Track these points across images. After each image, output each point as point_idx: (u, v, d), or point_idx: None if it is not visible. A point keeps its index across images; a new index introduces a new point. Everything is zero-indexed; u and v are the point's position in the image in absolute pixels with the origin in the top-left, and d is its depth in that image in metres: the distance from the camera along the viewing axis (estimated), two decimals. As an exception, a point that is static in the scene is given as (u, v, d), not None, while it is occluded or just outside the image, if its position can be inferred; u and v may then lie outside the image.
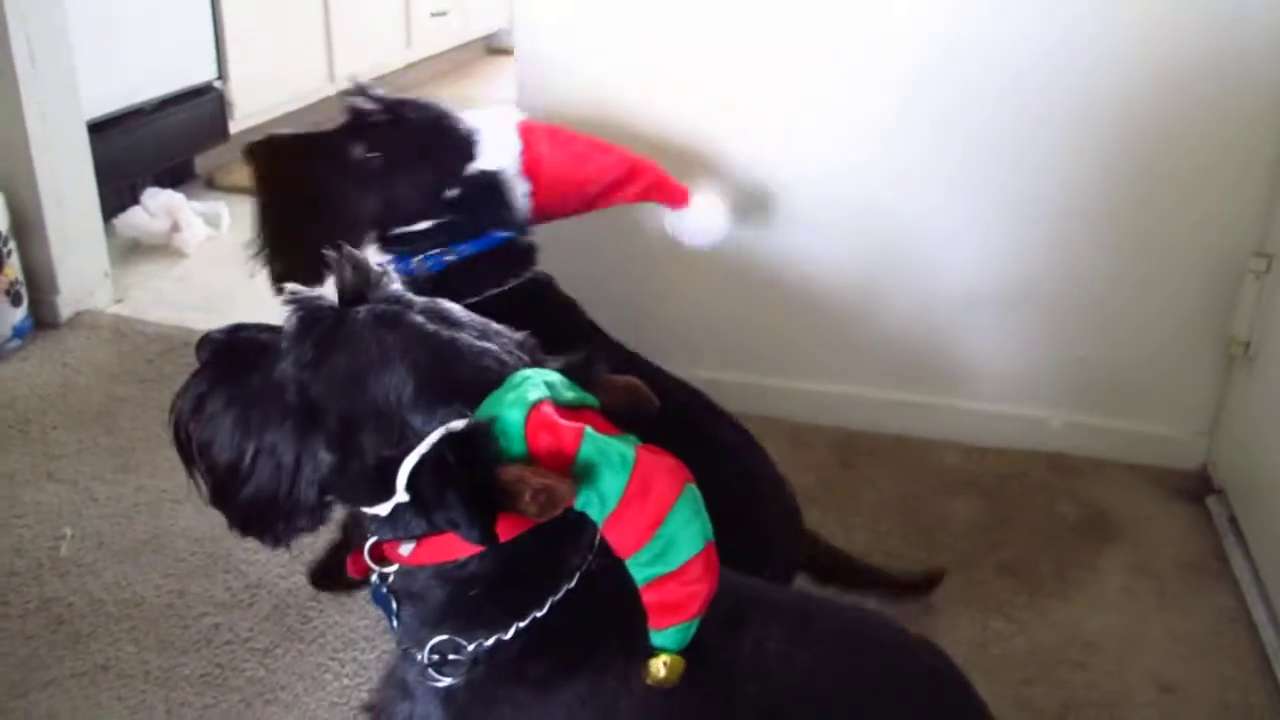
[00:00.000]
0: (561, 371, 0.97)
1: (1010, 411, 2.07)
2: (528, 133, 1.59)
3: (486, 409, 0.90)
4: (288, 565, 1.75)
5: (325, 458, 0.94)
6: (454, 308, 0.99)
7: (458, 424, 0.88)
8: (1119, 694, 1.54)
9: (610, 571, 0.94)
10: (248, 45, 3.29)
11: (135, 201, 2.93)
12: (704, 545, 0.89)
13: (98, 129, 2.70)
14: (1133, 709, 1.52)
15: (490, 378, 0.92)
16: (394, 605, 1.00)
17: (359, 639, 1.61)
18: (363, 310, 0.94)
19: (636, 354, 1.55)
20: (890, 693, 1.02)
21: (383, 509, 0.91)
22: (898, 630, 1.09)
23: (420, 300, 0.98)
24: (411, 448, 0.87)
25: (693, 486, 0.90)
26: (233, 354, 0.98)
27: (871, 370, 2.12)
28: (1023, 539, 1.85)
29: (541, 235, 1.64)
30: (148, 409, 2.16)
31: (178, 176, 3.25)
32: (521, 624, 0.94)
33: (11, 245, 2.31)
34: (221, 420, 0.97)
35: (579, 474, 0.87)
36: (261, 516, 0.98)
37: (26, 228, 2.37)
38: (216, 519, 1.70)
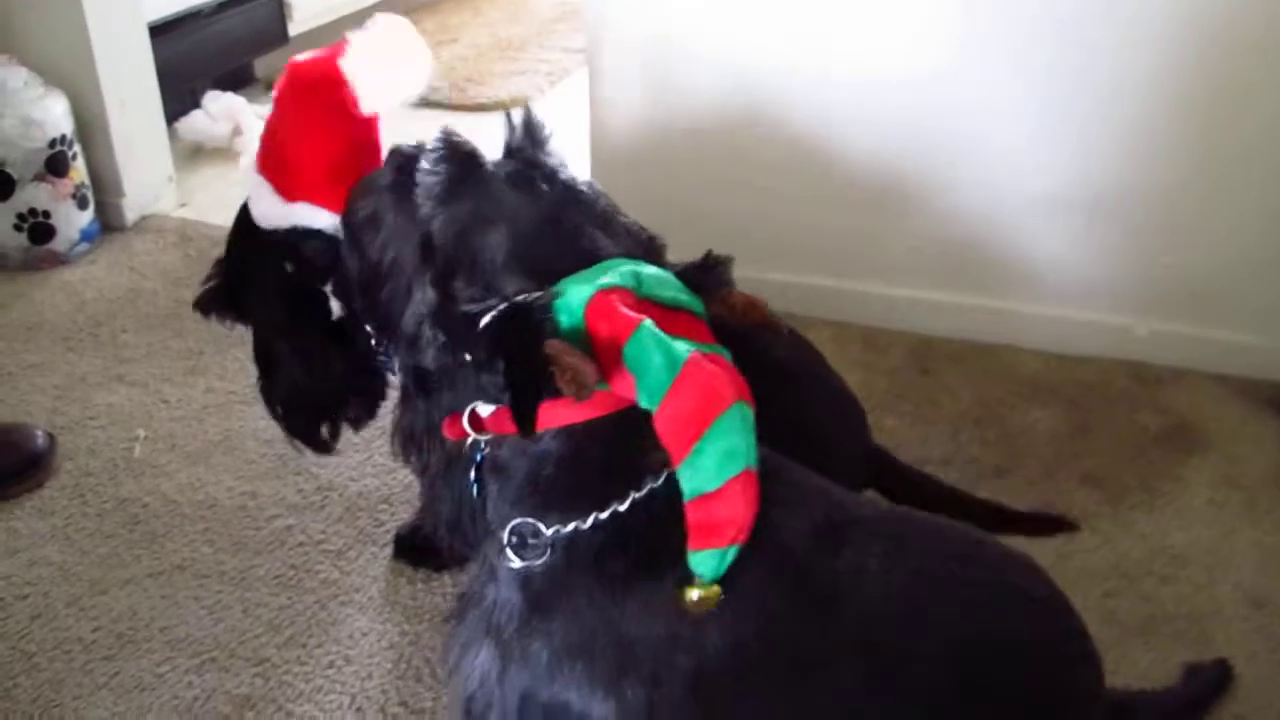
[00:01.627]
0: (678, 275, 0.95)
1: (1093, 318, 2.00)
2: None
3: (561, 287, 0.89)
4: (358, 468, 1.75)
5: (429, 293, 0.95)
6: (590, 189, 0.98)
7: (525, 295, 0.87)
8: (1207, 608, 1.50)
9: None
10: (305, -57, 3.23)
11: (196, 106, 2.89)
12: (744, 469, 0.86)
13: (157, 33, 2.64)
14: (1221, 623, 1.47)
15: (584, 260, 0.91)
16: (479, 479, 1.00)
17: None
18: (500, 165, 0.96)
19: None
20: (990, 613, 0.99)
21: (468, 359, 0.92)
22: (997, 548, 1.05)
23: (562, 173, 0.98)
24: (491, 308, 0.88)
25: (744, 405, 0.87)
26: (407, 171, 0.98)
27: (949, 274, 2.05)
28: (1106, 449, 1.79)
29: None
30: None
31: (237, 81, 3.20)
32: (601, 515, 0.92)
33: (77, 149, 2.29)
34: (380, 224, 1.01)
35: (629, 366, 0.86)
36: (385, 327, 1.04)
37: (91, 131, 2.36)
38: None
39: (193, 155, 2.83)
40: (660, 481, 0.92)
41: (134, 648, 1.44)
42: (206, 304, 1.37)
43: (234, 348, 2.04)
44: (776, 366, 1.46)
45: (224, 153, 2.84)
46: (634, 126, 2.08)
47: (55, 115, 2.23)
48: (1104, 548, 1.59)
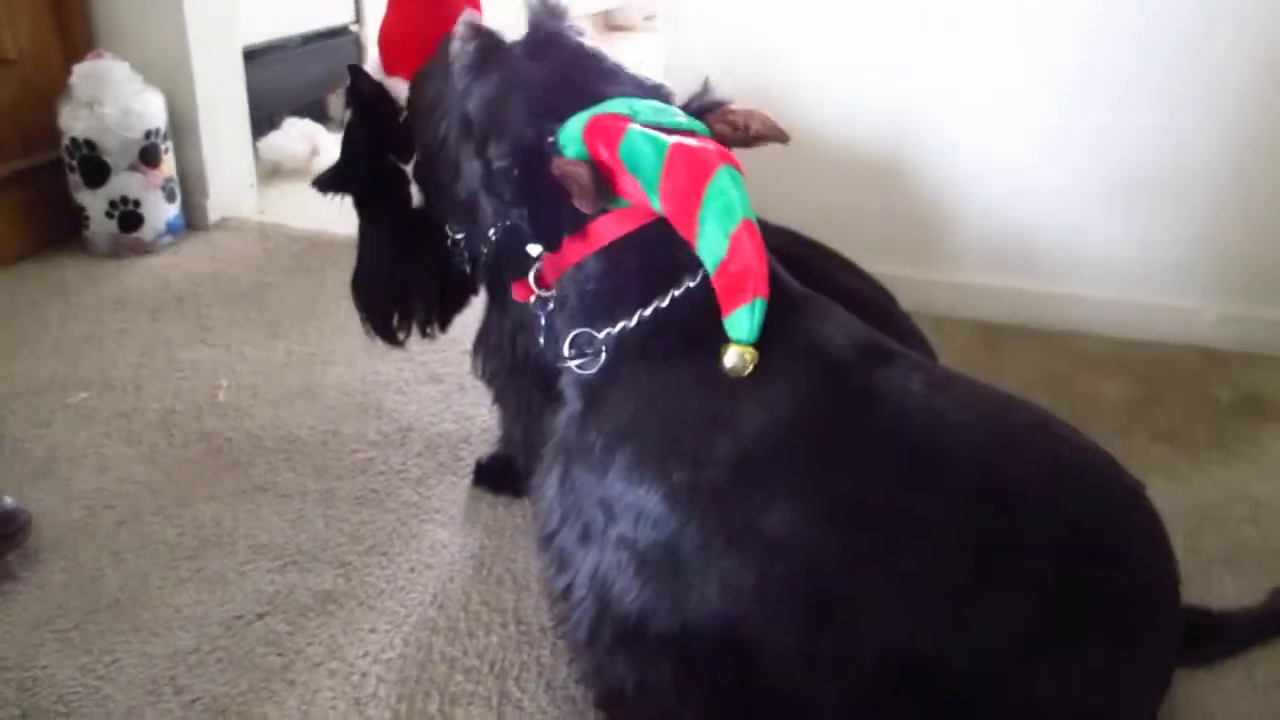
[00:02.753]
0: (685, 108, 1.04)
1: (1161, 302, 2.02)
2: None
3: (554, 126, 0.99)
4: (438, 414, 1.78)
5: (474, 165, 1.08)
6: (597, 50, 1.08)
7: (528, 135, 0.99)
8: (1293, 545, 1.48)
9: None
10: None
11: (275, 130, 3.03)
12: (742, 219, 0.92)
13: (244, 59, 2.80)
14: (1309, 557, 1.46)
15: (591, 103, 1.01)
16: (547, 323, 1.08)
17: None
18: (519, 40, 1.07)
19: None
20: (1033, 444, 0.97)
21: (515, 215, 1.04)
22: (1046, 413, 1.03)
23: (572, 37, 1.08)
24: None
25: (730, 167, 0.94)
26: (484, 49, 1.06)
27: (1014, 260, 2.08)
28: (1178, 414, 1.79)
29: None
30: (294, 293, 2.23)
31: (313, 116, 3.34)
32: (645, 312, 0.99)
33: (169, 144, 2.40)
34: (441, 97, 1.14)
35: (627, 165, 0.95)
36: (437, 193, 1.20)
37: (183, 132, 2.47)
38: (366, 374, 1.81)
39: (271, 174, 2.94)
40: (698, 279, 0.98)
41: (218, 549, 1.46)
42: (323, 182, 1.44)
43: (314, 319, 2.10)
44: (846, 295, 1.50)
45: (302, 172, 2.95)
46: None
47: (153, 109, 2.34)
48: (1182, 493, 1.58)
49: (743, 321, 0.92)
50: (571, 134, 0.97)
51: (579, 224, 1.00)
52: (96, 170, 2.30)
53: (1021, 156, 2.02)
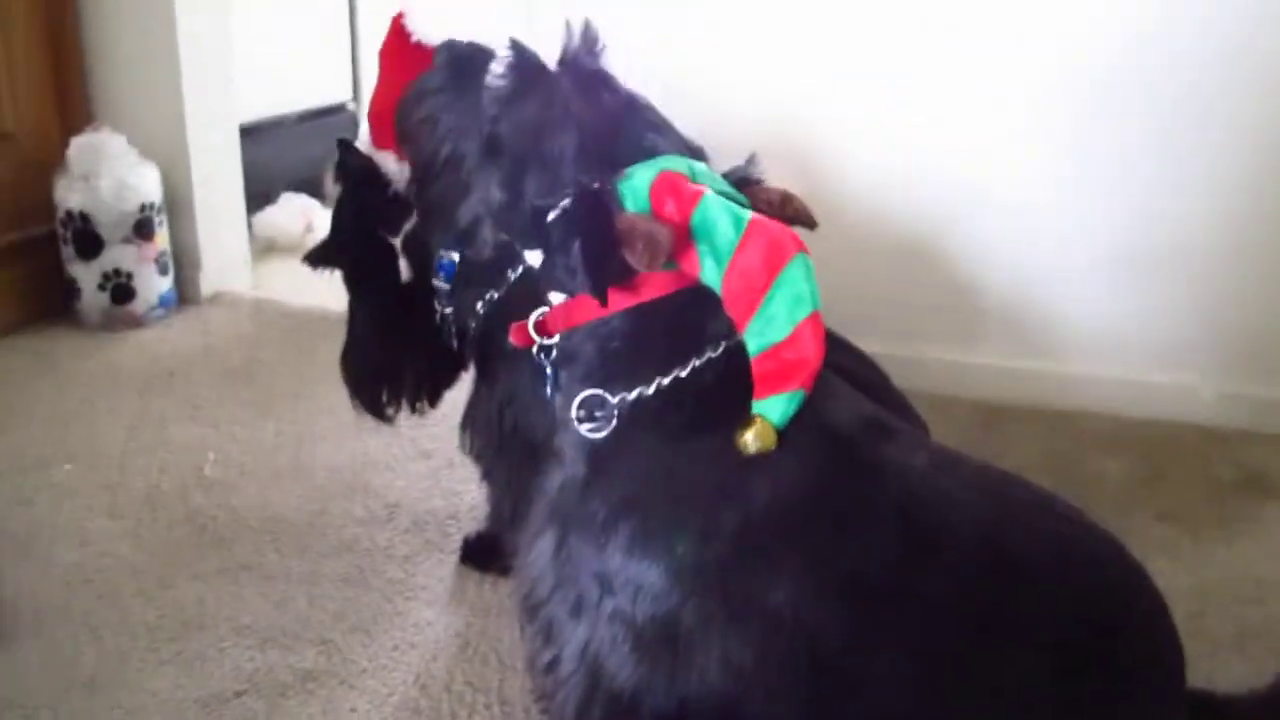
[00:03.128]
0: (723, 175, 1.01)
1: (1157, 380, 2.00)
2: None
3: (627, 173, 0.95)
4: (426, 490, 1.76)
5: (497, 194, 1.02)
6: (644, 97, 1.04)
7: (592, 183, 0.93)
8: (1300, 628, 1.45)
9: None
10: (382, 71, 3.44)
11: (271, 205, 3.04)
12: (812, 311, 0.90)
13: (241, 135, 2.82)
14: (1317, 640, 1.42)
15: (644, 155, 0.97)
16: (553, 375, 1.04)
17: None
18: (566, 71, 1.01)
19: None
20: (1036, 524, 0.96)
21: (536, 257, 0.99)
22: (1048, 492, 1.02)
23: (621, 82, 1.04)
24: (559, 202, 0.94)
25: (805, 255, 0.92)
26: (467, 66, 1.04)
27: (1013, 339, 2.07)
28: (1180, 493, 1.77)
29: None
30: (285, 370, 2.21)
31: (309, 192, 3.35)
32: (664, 380, 0.96)
33: (163, 217, 2.40)
34: (434, 118, 1.09)
35: (697, 232, 0.92)
36: (435, 216, 1.13)
37: (177, 204, 2.47)
38: (355, 452, 1.78)
39: (266, 250, 2.94)
40: (719, 352, 0.96)
41: (199, 630, 1.42)
42: (312, 257, 1.43)
43: (304, 397, 2.08)
44: (838, 372, 1.48)
45: (296, 248, 2.94)
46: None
47: (149, 182, 2.35)
48: (1185, 574, 1.55)
49: (779, 407, 0.90)
50: (636, 188, 0.93)
51: (621, 279, 0.96)
52: (90, 242, 2.30)
53: (1020, 234, 2.02)
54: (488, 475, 1.51)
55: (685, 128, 1.04)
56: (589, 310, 0.97)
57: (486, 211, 1.04)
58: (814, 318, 0.90)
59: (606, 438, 0.97)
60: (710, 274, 0.92)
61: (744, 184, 1.02)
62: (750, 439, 0.90)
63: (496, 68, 1.03)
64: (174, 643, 1.40)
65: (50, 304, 2.38)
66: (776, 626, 0.89)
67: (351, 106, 3.38)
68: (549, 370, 1.04)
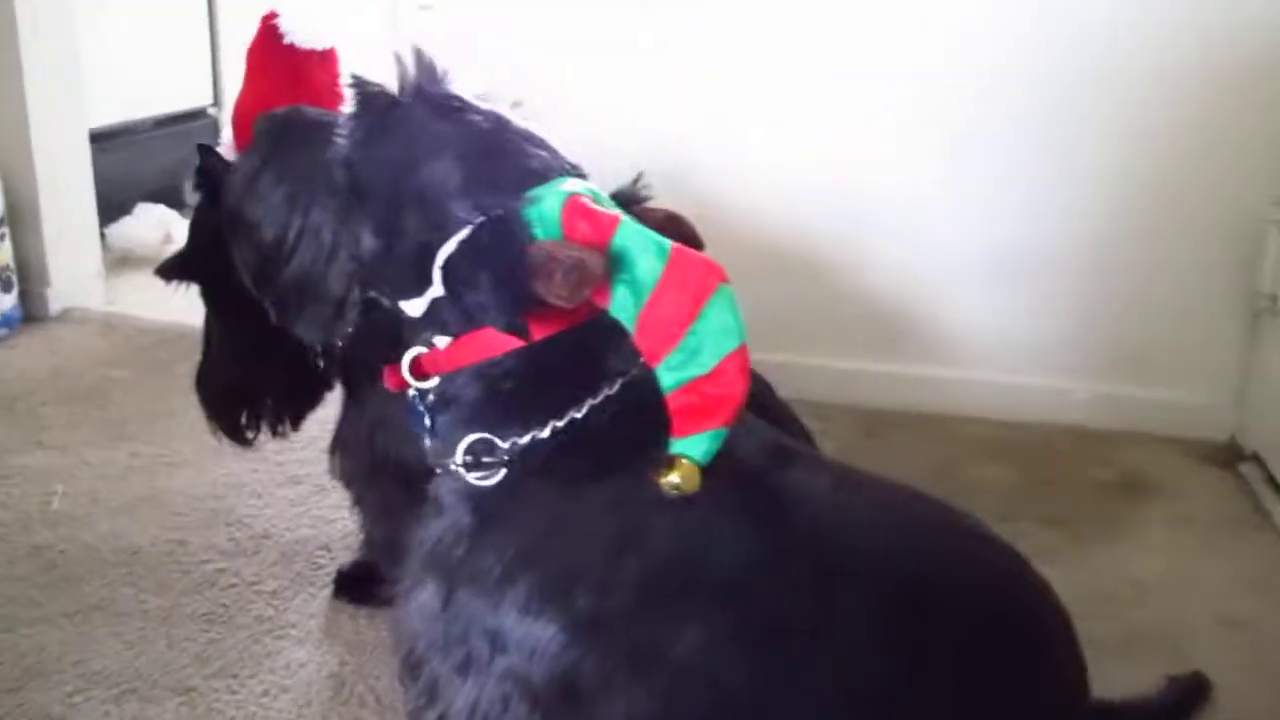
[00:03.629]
0: (611, 197, 0.96)
1: (1032, 383, 2.03)
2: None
3: (531, 196, 0.88)
4: (294, 519, 1.66)
5: (369, 242, 0.92)
6: (508, 115, 0.97)
7: (495, 210, 0.87)
8: (1181, 628, 1.47)
9: (653, 381, 0.89)
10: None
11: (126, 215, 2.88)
12: (739, 345, 0.86)
13: (93, 142, 2.66)
14: (1198, 641, 1.44)
15: (535, 177, 0.91)
16: (429, 421, 0.96)
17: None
18: (420, 100, 0.92)
19: None
20: (941, 542, 0.95)
21: (418, 305, 0.90)
22: (948, 506, 1.01)
23: (477, 101, 0.96)
24: (451, 234, 0.87)
25: (729, 286, 0.87)
26: (286, 132, 0.95)
27: (889, 344, 2.08)
28: (1060, 497, 1.79)
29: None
30: (142, 390, 2.08)
31: (168, 202, 3.19)
32: (559, 423, 0.90)
33: (5, 230, 2.24)
34: (271, 197, 0.94)
35: (614, 260, 0.86)
36: (300, 299, 0.98)
37: (21, 216, 2.32)
38: (217, 477, 1.67)
39: (121, 263, 2.79)
40: (615, 389, 0.91)
41: (43, 680, 1.31)
42: (166, 269, 1.33)
43: (161, 419, 1.95)
44: None
45: (154, 261, 2.78)
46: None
47: (-13, 192, 2.19)
48: (1072, 578, 1.52)
49: (702, 445, 0.84)
50: (544, 213, 0.86)
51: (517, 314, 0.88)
52: (-79, 259, 2.13)
53: (897, 241, 2.02)
54: (359, 501, 1.43)
55: (561, 148, 0.98)
56: (478, 350, 0.90)
57: (357, 267, 0.94)
58: (741, 350, 0.85)
59: (496, 486, 0.90)
60: (623, 305, 0.86)
61: (629, 204, 0.96)
62: (675, 480, 0.84)
63: (342, 116, 0.93)
64: (14, 694, 1.28)
65: (-123, 324, 2.20)
66: (684, 676, 0.85)
67: (213, 111, 3.23)
68: (425, 416, 0.96)
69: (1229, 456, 1.93)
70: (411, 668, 0.95)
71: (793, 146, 2.02)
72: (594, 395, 0.90)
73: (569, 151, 0.96)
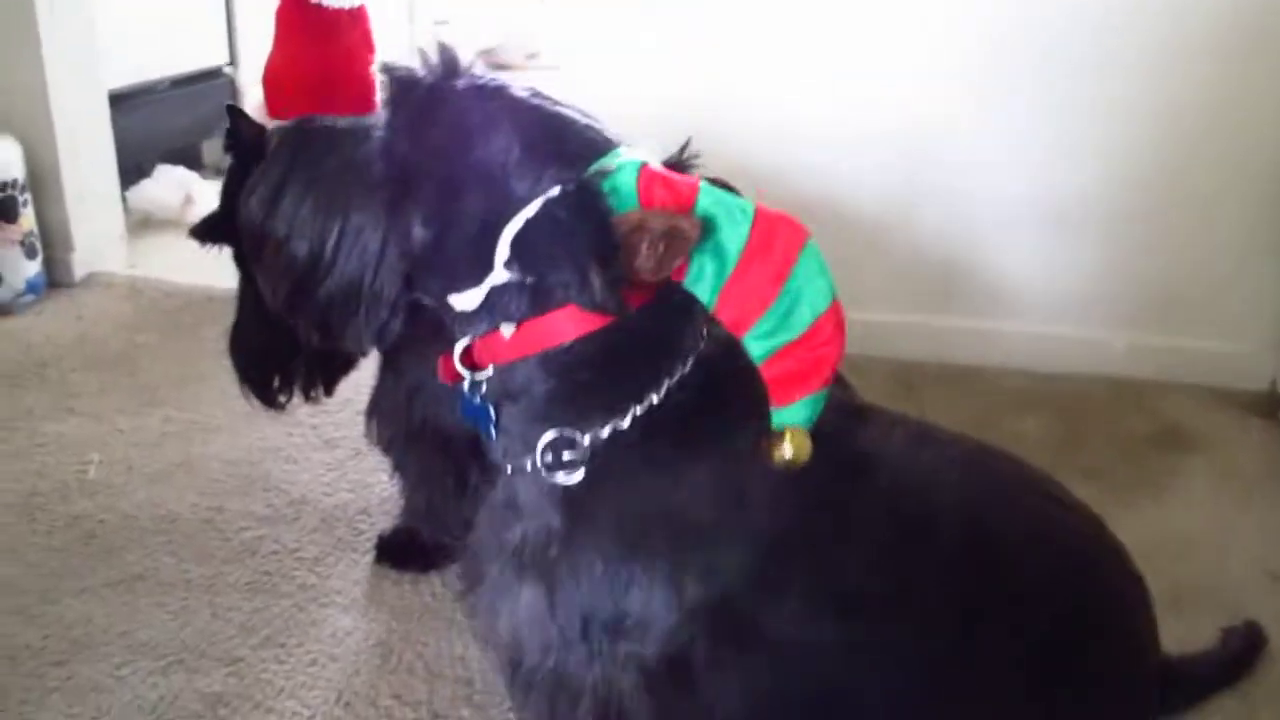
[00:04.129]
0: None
1: (1071, 334, 2.00)
2: None
3: (601, 166, 0.85)
4: (331, 484, 1.65)
5: (420, 234, 0.86)
6: (549, 92, 0.93)
7: (569, 183, 0.82)
8: (1228, 582, 1.46)
9: (727, 355, 0.87)
10: (260, 32, 3.24)
11: (146, 178, 2.85)
12: (833, 301, 0.83)
13: (110, 104, 2.62)
14: (1246, 595, 1.43)
15: (597, 147, 0.87)
16: (492, 414, 0.92)
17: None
18: (461, 81, 0.88)
19: None
20: (1019, 503, 0.96)
21: (474, 296, 0.86)
22: (1020, 461, 1.02)
23: (518, 83, 0.92)
24: (516, 212, 0.82)
25: (813, 241, 0.84)
26: (307, 139, 0.91)
27: (927, 297, 2.05)
28: (1100, 450, 1.77)
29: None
30: (170, 355, 2.07)
31: (186, 163, 3.16)
32: (639, 409, 0.87)
33: (27, 196, 2.22)
34: (300, 208, 0.89)
35: (704, 223, 0.82)
36: (344, 311, 0.91)
37: (43, 182, 2.29)
38: (252, 442, 1.64)
39: (142, 225, 2.76)
40: (689, 366, 0.88)
41: (90, 652, 1.31)
42: (199, 231, 1.31)
43: (191, 383, 1.94)
44: None
45: (175, 223, 2.77)
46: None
47: (7, 159, 2.16)
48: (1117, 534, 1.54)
49: (805, 410, 0.83)
50: (620, 184, 0.82)
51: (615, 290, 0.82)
52: (-54, 228, 2.11)
53: (935, 192, 1.98)
54: (399, 467, 1.42)
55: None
56: (545, 337, 0.86)
57: (408, 263, 0.88)
58: (835, 307, 0.83)
59: (582, 482, 0.88)
60: (700, 276, 0.83)
61: (678, 171, 0.91)
62: (788, 453, 0.83)
63: (381, 100, 0.89)
64: (62, 666, 1.29)
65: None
66: (786, 648, 0.86)
67: (229, 70, 3.18)
68: (487, 409, 0.92)
69: (1270, 406, 1.91)
70: (526, 674, 0.93)
71: (831, 101, 1.98)
72: (670, 375, 0.88)
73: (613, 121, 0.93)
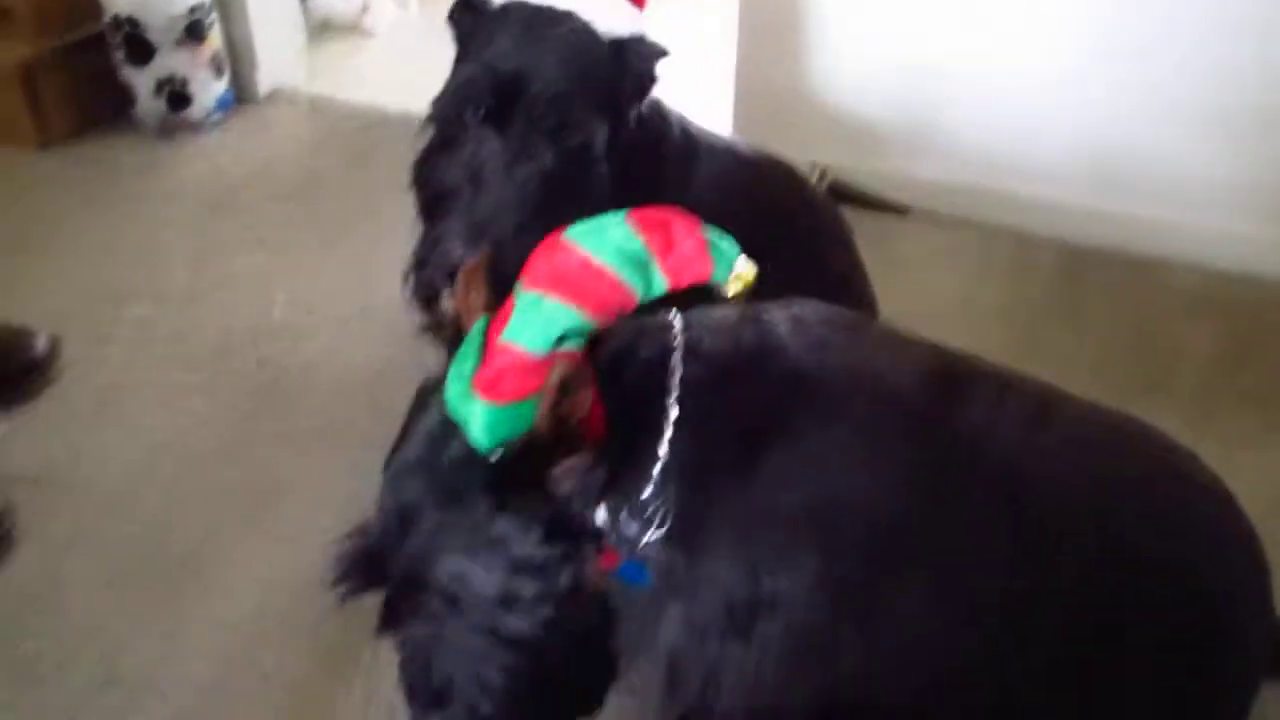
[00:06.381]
0: None
1: (1255, 233, 1.90)
2: None
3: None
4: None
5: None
6: None
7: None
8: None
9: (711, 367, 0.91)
10: None
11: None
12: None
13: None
14: None
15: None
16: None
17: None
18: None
19: None
20: (1145, 493, 0.93)
21: None
22: (1156, 432, 0.99)
23: None
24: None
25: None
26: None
27: (1104, 179, 1.95)
28: (1269, 369, 1.71)
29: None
30: (348, 187, 2.16)
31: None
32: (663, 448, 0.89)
33: (214, 16, 2.28)
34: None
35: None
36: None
37: (227, 1, 2.35)
38: None
39: (320, 32, 2.80)
40: (677, 389, 0.90)
41: (290, 497, 1.45)
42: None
43: (365, 221, 2.03)
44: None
45: (351, 29, 2.81)
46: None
47: (195, -21, 2.22)
48: (1267, 471, 1.51)
49: (720, 268, 0.85)
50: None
51: None
52: (141, 49, 2.20)
53: (1118, 71, 1.86)
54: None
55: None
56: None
57: None
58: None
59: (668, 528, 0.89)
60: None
61: None
62: (738, 286, 0.86)
63: None
64: (266, 510, 1.44)
65: (107, 109, 2.30)
66: (910, 631, 0.88)
67: None
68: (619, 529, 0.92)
69: None
70: (679, 675, 0.95)
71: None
72: (666, 394, 0.88)
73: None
